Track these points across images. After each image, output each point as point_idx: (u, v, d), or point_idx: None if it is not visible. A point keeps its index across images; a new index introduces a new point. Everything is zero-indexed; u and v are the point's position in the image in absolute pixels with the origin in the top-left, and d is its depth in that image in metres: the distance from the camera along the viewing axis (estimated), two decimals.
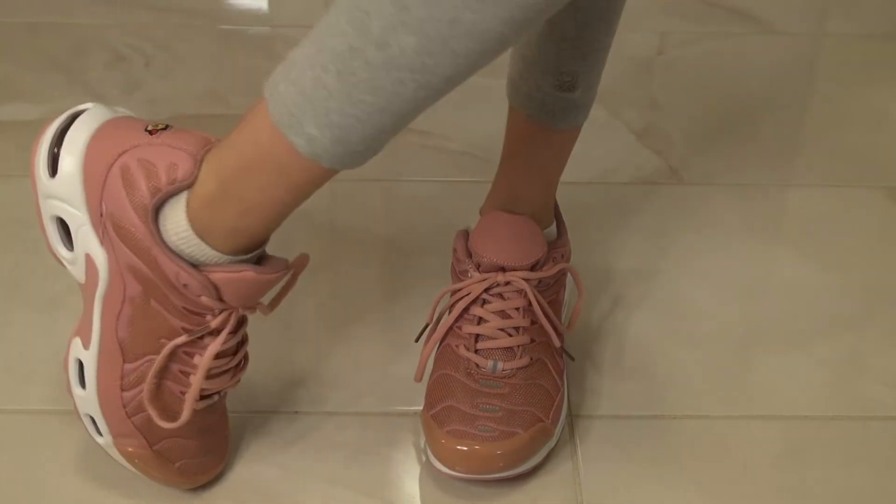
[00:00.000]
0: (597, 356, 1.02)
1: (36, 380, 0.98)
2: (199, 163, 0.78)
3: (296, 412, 0.96)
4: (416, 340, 0.96)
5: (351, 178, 1.25)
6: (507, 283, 0.91)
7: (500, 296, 0.92)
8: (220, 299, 0.79)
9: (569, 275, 0.99)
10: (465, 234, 0.94)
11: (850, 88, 1.43)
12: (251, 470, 0.91)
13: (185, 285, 0.78)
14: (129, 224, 0.79)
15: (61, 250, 0.86)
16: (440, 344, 0.93)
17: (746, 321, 1.07)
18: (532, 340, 0.92)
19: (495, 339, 0.91)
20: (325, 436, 0.94)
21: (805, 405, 0.98)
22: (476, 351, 0.91)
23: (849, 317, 1.08)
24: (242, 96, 1.37)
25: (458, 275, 0.93)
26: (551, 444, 0.92)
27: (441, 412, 0.89)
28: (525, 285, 0.91)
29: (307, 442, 0.93)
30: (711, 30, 1.53)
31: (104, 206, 0.80)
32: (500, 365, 0.90)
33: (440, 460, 0.88)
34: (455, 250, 0.94)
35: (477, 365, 0.90)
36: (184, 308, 0.80)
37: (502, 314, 0.91)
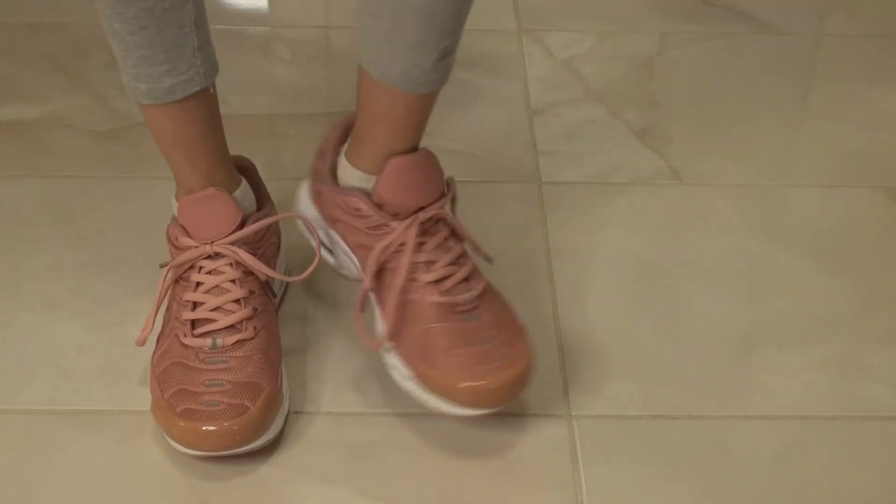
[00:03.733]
0: (597, 356, 1.02)
1: (36, 380, 0.98)
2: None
3: (295, 412, 0.96)
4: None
5: None
6: (218, 255, 0.94)
7: (213, 272, 0.94)
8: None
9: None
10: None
11: (850, 88, 1.43)
12: (251, 470, 0.91)
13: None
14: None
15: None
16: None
17: (746, 321, 1.07)
18: (255, 310, 0.94)
19: (214, 321, 0.93)
20: (325, 436, 0.94)
21: (805, 405, 0.98)
22: (194, 336, 0.93)
23: (849, 317, 1.08)
24: (242, 96, 1.37)
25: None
26: (284, 409, 0.93)
27: (173, 396, 0.90)
28: (235, 252, 0.94)
29: (307, 442, 0.93)
30: (711, 30, 1.53)
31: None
32: (219, 341, 0.92)
33: (173, 439, 0.90)
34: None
35: (199, 347, 0.92)
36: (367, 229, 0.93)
37: (217, 290, 0.94)
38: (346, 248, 0.98)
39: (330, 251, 1.01)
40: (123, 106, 1.33)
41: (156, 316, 0.94)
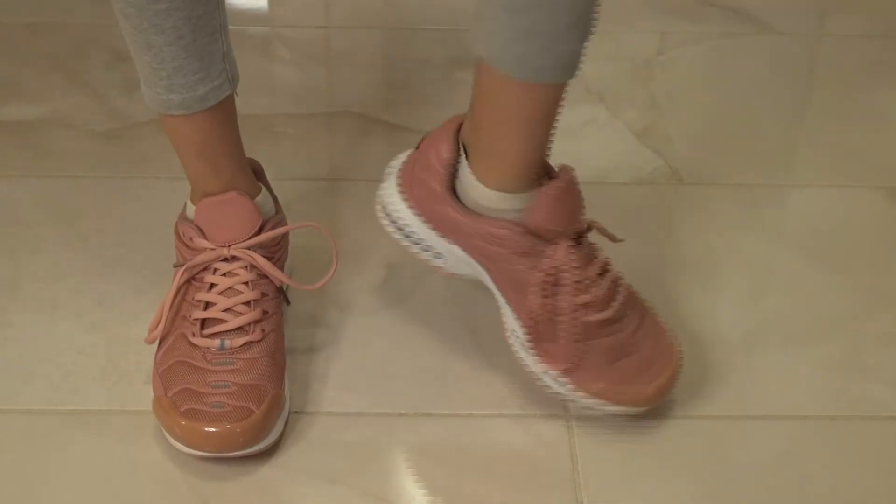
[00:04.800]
0: None
1: (36, 380, 0.98)
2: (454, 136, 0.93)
3: (296, 412, 0.96)
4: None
5: (353, 177, 1.25)
6: (234, 258, 0.94)
7: (228, 274, 0.94)
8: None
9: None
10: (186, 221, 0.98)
11: (850, 88, 1.43)
12: (251, 470, 0.91)
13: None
14: None
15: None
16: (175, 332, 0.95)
17: (746, 321, 1.07)
18: (265, 313, 0.94)
19: (224, 321, 0.93)
20: (325, 436, 0.94)
21: (805, 405, 0.98)
22: (203, 336, 0.93)
23: (849, 317, 1.08)
24: (243, 96, 1.36)
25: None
26: (285, 413, 0.94)
27: (177, 395, 0.91)
28: (252, 256, 0.94)
29: (307, 442, 0.93)
30: (711, 30, 1.53)
31: None
32: (227, 342, 0.92)
33: (175, 438, 0.90)
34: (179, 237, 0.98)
35: (207, 348, 0.93)
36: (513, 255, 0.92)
37: (230, 292, 0.94)
38: (468, 256, 0.96)
39: (436, 254, 0.98)
40: (123, 106, 1.33)
41: (167, 315, 0.94)
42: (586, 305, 0.92)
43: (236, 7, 1.59)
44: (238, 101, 1.37)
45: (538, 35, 0.83)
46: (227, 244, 0.94)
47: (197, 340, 0.93)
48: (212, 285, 0.95)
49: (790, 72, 1.47)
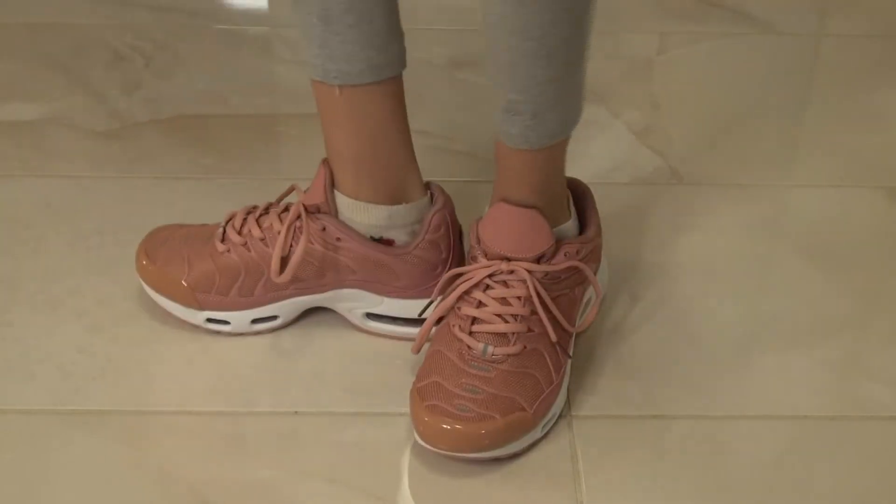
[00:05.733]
0: (597, 356, 1.02)
1: (36, 380, 0.98)
2: None
3: (296, 412, 0.96)
4: (419, 315, 0.97)
5: None
6: (511, 272, 0.92)
7: (504, 283, 0.93)
8: None
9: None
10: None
11: (850, 88, 1.43)
12: (251, 470, 0.91)
13: None
14: None
15: None
16: (440, 321, 0.95)
17: (746, 321, 1.07)
18: (529, 330, 0.93)
19: (490, 323, 0.92)
20: (325, 436, 0.94)
21: (805, 405, 0.98)
22: (470, 333, 0.92)
23: (849, 317, 1.08)
24: (242, 96, 1.37)
25: (470, 260, 0.96)
26: (534, 435, 0.92)
27: (426, 387, 0.91)
28: (526, 275, 0.92)
29: (307, 442, 0.93)
30: (711, 30, 1.53)
31: None
32: (490, 349, 0.91)
33: (416, 432, 0.90)
34: (471, 236, 0.96)
35: (469, 347, 0.92)
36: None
37: (502, 301, 0.93)
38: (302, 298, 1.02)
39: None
40: (123, 106, 1.33)
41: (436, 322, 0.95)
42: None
43: (236, 7, 1.59)
44: (238, 101, 1.37)
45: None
46: (521, 257, 0.93)
47: (463, 336, 0.92)
48: (488, 286, 0.94)
49: (790, 72, 1.47)
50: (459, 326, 0.93)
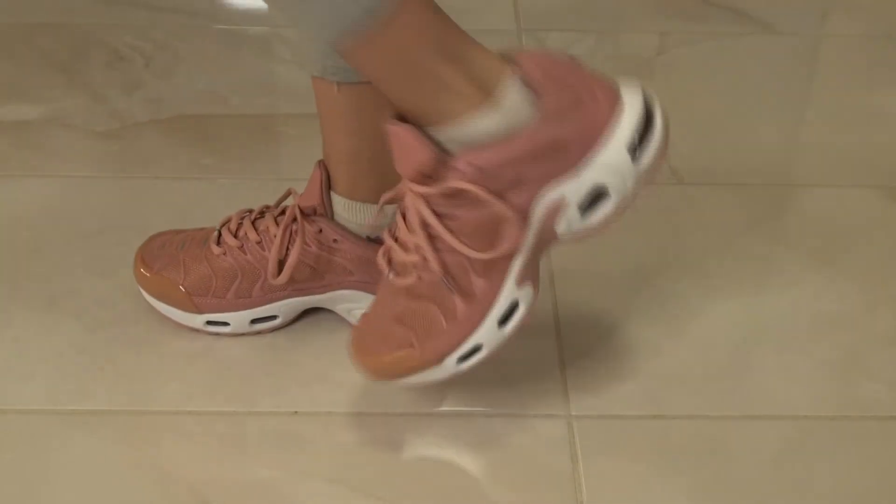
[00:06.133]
0: (597, 356, 1.02)
1: (36, 380, 0.98)
2: None
3: (296, 412, 0.96)
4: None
5: None
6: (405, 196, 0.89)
7: (404, 209, 0.89)
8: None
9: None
10: None
11: (850, 88, 1.43)
12: (251, 470, 0.91)
13: None
14: None
15: (576, 215, 0.89)
16: None
17: (746, 321, 1.07)
18: (425, 259, 0.88)
19: (394, 251, 0.90)
20: (325, 436, 0.94)
21: (805, 405, 0.98)
22: (389, 262, 0.92)
23: (849, 317, 1.08)
24: (242, 96, 1.37)
25: None
26: (441, 371, 0.89)
27: (364, 314, 0.93)
28: (410, 199, 0.87)
29: (307, 442, 0.93)
30: (711, 30, 1.53)
31: None
32: (392, 276, 0.91)
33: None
34: None
35: (387, 276, 0.92)
36: None
37: (406, 228, 0.88)
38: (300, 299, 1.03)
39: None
40: (123, 106, 1.33)
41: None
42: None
43: (236, 7, 1.59)
44: (238, 101, 1.38)
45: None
46: None
47: (383, 264, 0.93)
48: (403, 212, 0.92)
49: (790, 72, 1.47)
50: (383, 253, 0.91)
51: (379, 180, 0.97)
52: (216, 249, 1.00)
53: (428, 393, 0.97)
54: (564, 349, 1.02)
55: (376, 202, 0.97)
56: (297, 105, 1.35)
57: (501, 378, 0.99)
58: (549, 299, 1.07)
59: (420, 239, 0.87)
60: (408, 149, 0.84)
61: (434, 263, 0.87)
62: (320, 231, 0.98)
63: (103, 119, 1.31)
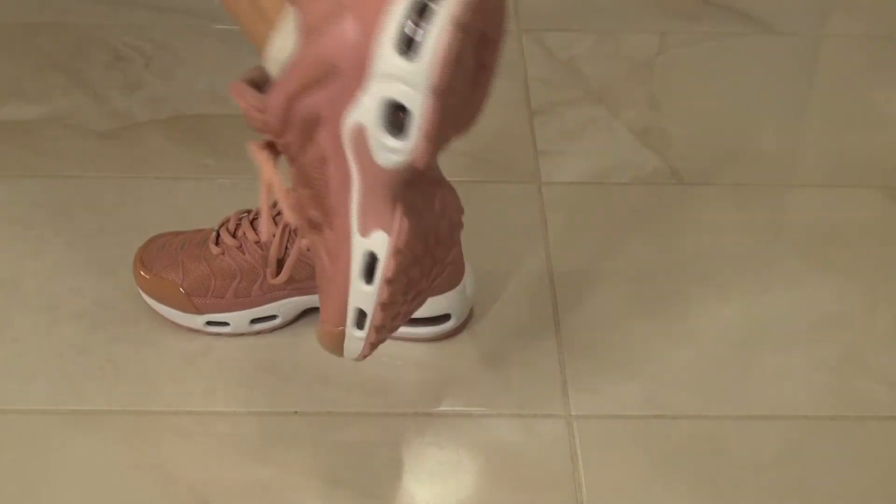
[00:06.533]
0: (597, 356, 1.02)
1: (36, 380, 0.98)
2: None
3: (296, 412, 0.96)
4: None
5: None
6: None
7: None
8: None
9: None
10: None
11: (850, 88, 1.43)
12: (251, 470, 0.91)
13: None
14: None
15: (388, 140, 0.74)
16: None
17: (746, 321, 1.07)
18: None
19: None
20: (325, 436, 0.94)
21: (805, 405, 0.98)
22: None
23: (849, 317, 1.08)
24: None
25: None
26: (348, 346, 0.85)
27: None
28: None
29: (307, 442, 0.93)
30: (711, 30, 1.53)
31: None
32: None
33: None
34: None
35: None
36: None
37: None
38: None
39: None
40: (123, 106, 1.33)
41: None
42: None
43: None
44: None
45: None
46: None
47: None
48: None
49: (790, 72, 1.47)
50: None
51: None
52: (215, 250, 1.00)
53: (428, 393, 0.97)
54: (564, 349, 1.02)
55: None
56: None
57: (501, 378, 0.99)
58: (549, 299, 1.07)
59: (264, 199, 0.82)
60: (237, 102, 0.80)
61: (292, 220, 0.81)
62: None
63: (103, 119, 1.31)
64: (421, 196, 0.81)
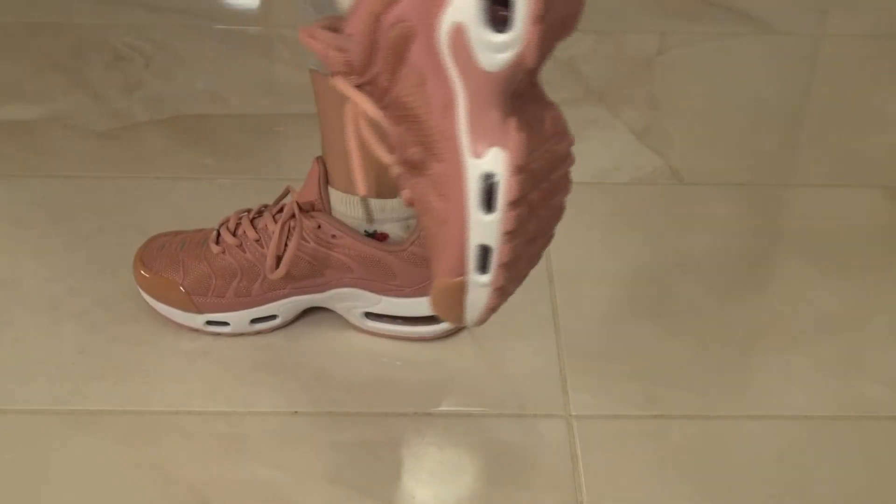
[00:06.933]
0: (597, 356, 1.02)
1: (36, 380, 0.98)
2: None
3: (296, 412, 0.96)
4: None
5: None
6: None
7: None
8: None
9: None
10: None
11: (850, 88, 1.43)
12: (251, 470, 0.91)
13: None
14: None
15: (492, 35, 0.69)
16: None
17: (746, 321, 1.07)
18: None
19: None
20: (325, 436, 0.94)
21: (805, 405, 0.98)
22: None
23: (849, 317, 1.08)
24: (242, 96, 1.37)
25: None
26: (472, 296, 0.80)
27: None
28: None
29: (307, 442, 0.93)
30: (711, 30, 1.53)
31: None
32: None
33: None
34: None
35: None
36: None
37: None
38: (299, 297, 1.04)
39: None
40: (123, 106, 1.33)
41: None
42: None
43: (236, 7, 1.59)
44: (238, 101, 1.37)
45: None
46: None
47: None
48: None
49: (790, 72, 1.47)
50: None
51: (377, 175, 0.97)
52: (215, 248, 1.00)
53: (428, 393, 0.98)
54: (564, 349, 1.02)
55: (375, 197, 0.97)
56: (297, 105, 1.35)
57: (501, 378, 0.99)
58: (548, 299, 1.07)
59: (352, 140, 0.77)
60: (312, 48, 0.75)
61: (389, 158, 0.77)
62: (319, 227, 0.98)
63: (103, 119, 1.31)
64: (532, 112, 0.75)
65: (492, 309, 0.79)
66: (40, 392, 0.97)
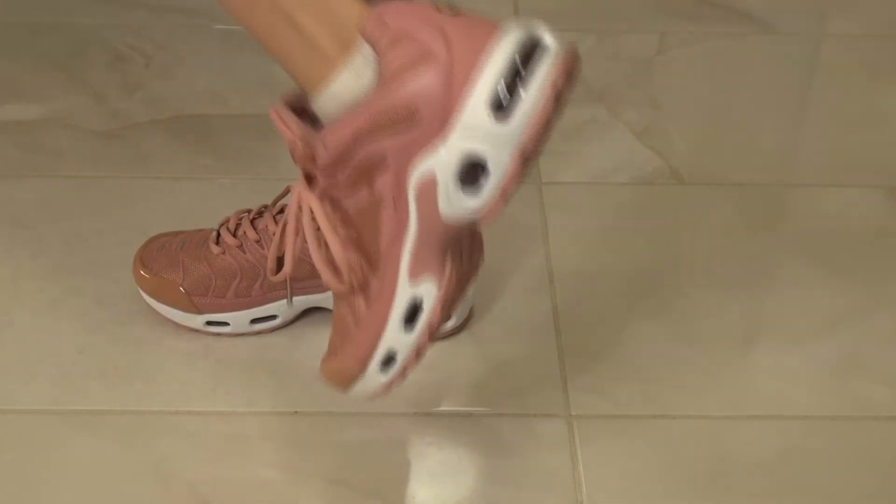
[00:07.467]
0: (597, 356, 1.02)
1: (36, 380, 0.98)
2: None
3: (296, 412, 0.96)
4: None
5: None
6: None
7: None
8: None
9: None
10: None
11: (850, 88, 1.43)
12: (251, 470, 0.91)
13: None
14: None
15: (460, 195, 0.74)
16: None
17: (746, 321, 1.07)
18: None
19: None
20: (325, 436, 0.94)
21: (805, 405, 0.98)
22: None
23: (849, 317, 1.08)
24: (242, 96, 1.37)
25: None
26: (367, 383, 0.83)
27: None
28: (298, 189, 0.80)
29: (307, 442, 0.93)
30: (711, 30, 1.53)
31: None
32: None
33: None
34: None
35: None
36: None
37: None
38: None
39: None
40: (123, 106, 1.33)
41: None
42: None
43: None
44: (238, 101, 1.37)
45: None
46: None
47: None
48: None
49: (790, 72, 1.47)
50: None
51: None
52: (215, 249, 1.00)
53: (428, 393, 0.97)
54: (564, 349, 1.02)
55: None
56: None
57: (501, 378, 0.99)
58: (548, 299, 1.07)
59: (309, 236, 0.81)
60: (281, 131, 0.77)
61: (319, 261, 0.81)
62: (318, 228, 0.98)
63: (103, 119, 1.31)
64: (464, 244, 0.81)
65: (375, 396, 0.84)
66: (40, 392, 0.97)
